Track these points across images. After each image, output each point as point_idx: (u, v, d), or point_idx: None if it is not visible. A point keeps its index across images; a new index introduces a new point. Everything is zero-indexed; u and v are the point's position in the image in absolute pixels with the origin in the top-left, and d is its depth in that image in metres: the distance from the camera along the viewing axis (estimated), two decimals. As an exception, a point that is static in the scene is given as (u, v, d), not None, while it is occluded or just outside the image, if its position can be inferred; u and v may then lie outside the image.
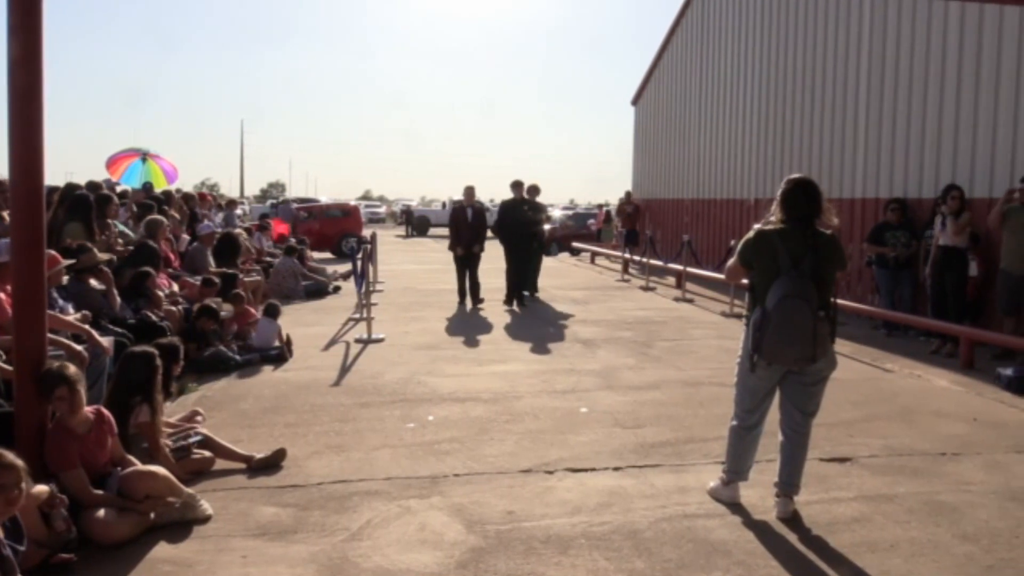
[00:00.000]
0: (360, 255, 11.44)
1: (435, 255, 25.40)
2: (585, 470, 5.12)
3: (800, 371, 4.30)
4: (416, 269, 19.83)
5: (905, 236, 10.27)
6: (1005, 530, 4.26)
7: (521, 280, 13.15)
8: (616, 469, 5.15)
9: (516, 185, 13.16)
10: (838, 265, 4.33)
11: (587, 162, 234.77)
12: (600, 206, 36.48)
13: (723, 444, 5.61)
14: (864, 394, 7.16)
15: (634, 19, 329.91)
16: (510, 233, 13.08)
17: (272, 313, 9.06)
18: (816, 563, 3.86)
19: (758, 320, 4.21)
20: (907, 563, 3.81)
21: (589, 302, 13.34)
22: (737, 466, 4.58)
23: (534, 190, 13.62)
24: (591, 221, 31.01)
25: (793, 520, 4.34)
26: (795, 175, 4.44)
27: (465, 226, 12.88)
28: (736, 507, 4.53)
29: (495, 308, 12.54)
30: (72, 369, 4.28)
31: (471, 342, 9.58)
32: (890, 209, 10.57)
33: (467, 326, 10.87)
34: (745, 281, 4.53)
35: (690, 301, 13.54)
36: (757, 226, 4.46)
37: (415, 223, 39.99)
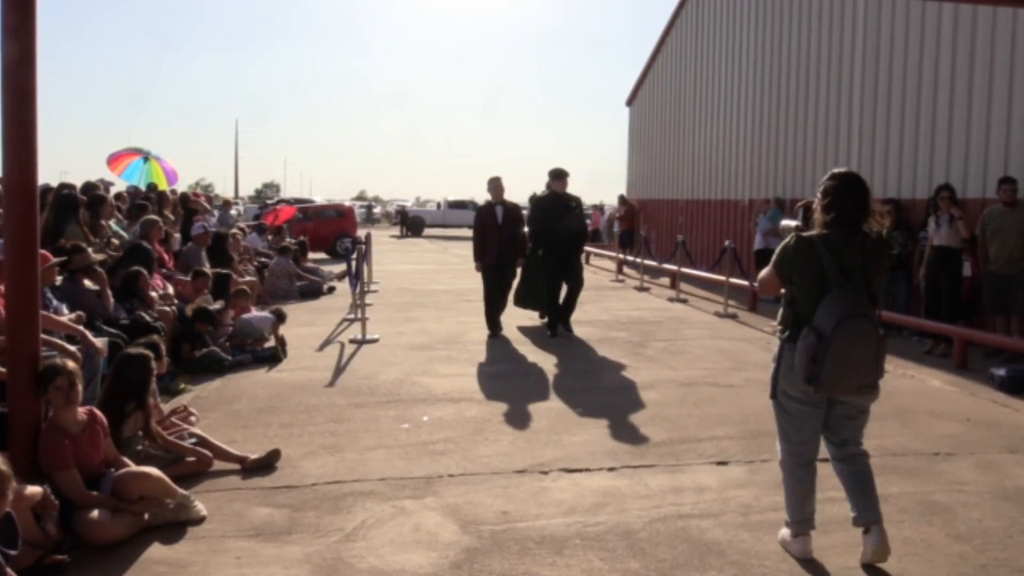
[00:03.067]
0: (355, 255, 11.43)
1: (430, 255, 25.43)
2: (580, 470, 5.12)
3: (844, 401, 3.79)
4: (411, 269, 19.83)
5: (900, 236, 10.30)
6: (998, 530, 4.27)
7: (558, 303, 9.98)
8: (611, 469, 5.15)
9: (557, 176, 9.88)
10: (887, 268, 3.88)
11: (585, 162, 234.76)
12: (595, 207, 36.51)
13: (717, 444, 5.65)
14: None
15: (632, 19, 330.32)
16: (550, 241, 9.78)
17: (275, 313, 9.09)
18: (810, 563, 3.86)
19: (811, 346, 3.57)
20: (900, 562, 3.81)
21: (583, 302, 13.30)
22: (802, 513, 3.92)
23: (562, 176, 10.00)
24: (587, 221, 31.01)
25: (880, 552, 3.78)
26: (839, 170, 3.81)
27: (494, 231, 9.76)
28: (730, 510, 4.52)
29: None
30: (73, 364, 4.31)
31: (465, 343, 9.57)
32: (885, 210, 10.58)
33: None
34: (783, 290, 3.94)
35: (684, 301, 13.55)
36: (788, 222, 4.01)
37: (410, 223, 39.96)
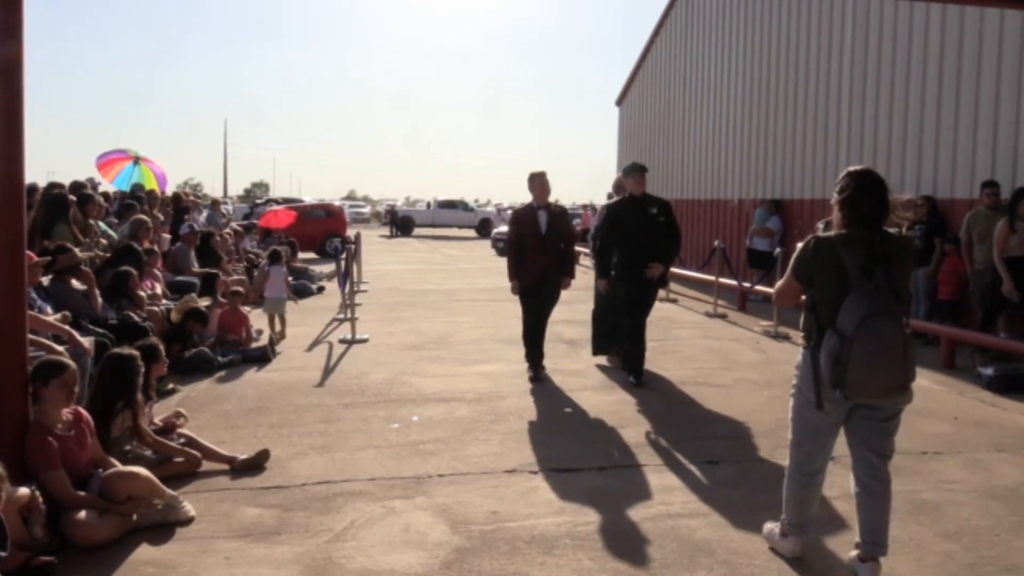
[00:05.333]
0: (344, 255, 11.40)
1: (420, 255, 25.42)
2: (569, 470, 5.13)
3: (873, 406, 3.63)
4: (400, 269, 19.81)
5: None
6: (986, 528, 4.29)
7: (638, 341, 7.56)
8: (600, 469, 5.15)
9: (634, 171, 7.43)
10: (912, 269, 3.70)
11: (585, 162, 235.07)
12: (584, 206, 36.52)
13: (707, 443, 5.67)
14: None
15: (626, 18, 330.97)
16: (624, 262, 7.41)
17: (276, 259, 9.99)
18: (800, 563, 3.87)
19: (835, 348, 3.43)
20: (889, 561, 3.83)
21: (574, 302, 13.32)
22: (799, 518, 3.90)
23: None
24: (577, 221, 30.97)
25: None
26: (856, 168, 3.71)
27: (536, 242, 7.51)
28: (719, 510, 4.53)
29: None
30: (72, 364, 4.30)
31: (455, 343, 9.57)
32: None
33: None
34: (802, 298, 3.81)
35: (674, 301, 13.58)
36: (817, 220, 3.85)
37: (399, 223, 39.92)
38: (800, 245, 3.71)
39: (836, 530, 4.23)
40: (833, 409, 3.65)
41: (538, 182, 7.58)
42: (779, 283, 3.94)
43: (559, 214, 7.71)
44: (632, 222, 7.34)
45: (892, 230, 3.63)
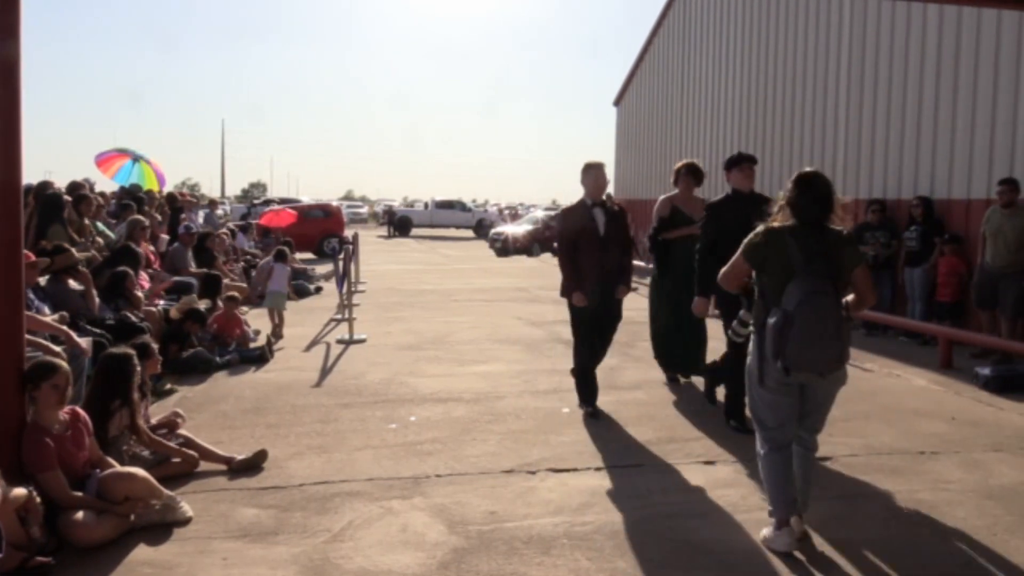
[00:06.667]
0: (342, 255, 11.40)
1: (417, 256, 25.42)
2: (567, 470, 5.13)
3: (812, 386, 3.98)
4: (398, 270, 19.81)
5: (885, 236, 10.37)
6: (983, 528, 4.29)
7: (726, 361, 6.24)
8: (598, 469, 5.16)
9: (740, 162, 6.28)
10: (854, 263, 3.98)
11: (583, 162, 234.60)
12: None
13: (705, 444, 5.67)
14: (843, 393, 7.13)
15: (624, 19, 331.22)
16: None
17: (281, 257, 10.10)
18: (796, 562, 3.88)
19: (779, 322, 3.77)
20: (886, 561, 3.83)
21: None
22: (782, 497, 4.01)
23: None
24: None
25: (800, 540, 4.01)
26: (805, 171, 4.03)
27: (594, 247, 6.24)
28: (717, 510, 4.53)
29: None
30: (66, 365, 4.31)
31: (453, 343, 9.57)
32: (871, 210, 10.67)
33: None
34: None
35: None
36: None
37: (397, 223, 39.92)
38: (751, 234, 4.04)
39: (836, 530, 4.23)
40: (783, 386, 3.94)
41: (593, 175, 6.38)
42: (725, 268, 4.22)
43: (618, 214, 6.42)
44: (741, 220, 5.14)
45: (838, 227, 3.98)
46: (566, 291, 6.40)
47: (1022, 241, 8.36)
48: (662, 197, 7.51)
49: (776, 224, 4.00)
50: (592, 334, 6.47)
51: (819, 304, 3.75)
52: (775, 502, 4.03)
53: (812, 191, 3.93)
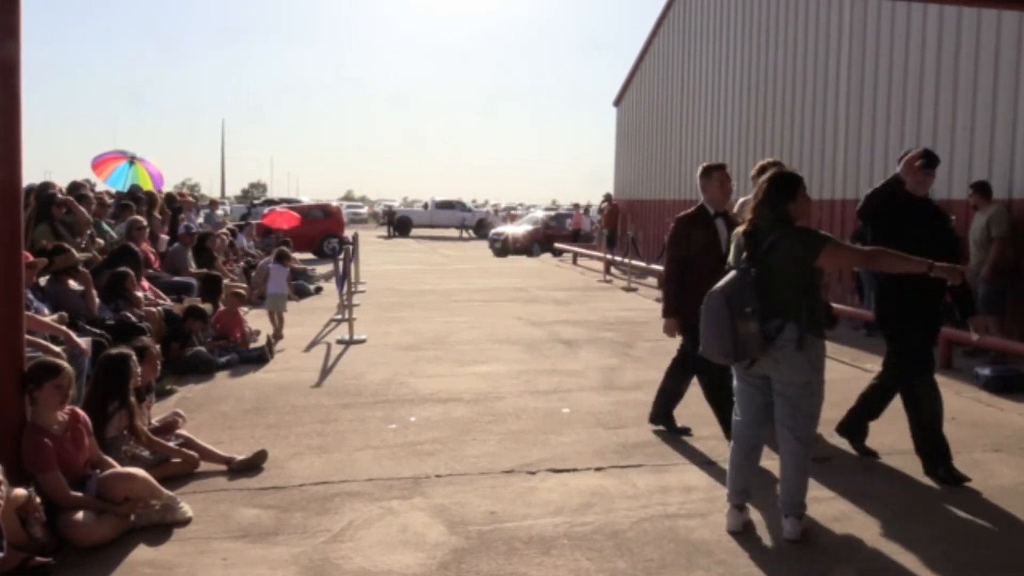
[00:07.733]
0: (342, 256, 11.39)
1: (417, 256, 25.41)
2: (567, 470, 5.13)
3: (770, 377, 4.08)
4: (398, 270, 19.80)
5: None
6: (982, 528, 4.30)
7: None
8: (598, 469, 5.16)
9: (924, 157, 5.31)
10: (807, 258, 3.95)
11: (583, 163, 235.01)
12: (576, 206, 36.52)
13: (704, 444, 5.67)
14: (844, 394, 7.17)
15: (624, 19, 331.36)
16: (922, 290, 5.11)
17: (281, 258, 10.20)
18: (796, 562, 3.88)
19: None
20: (886, 561, 3.84)
21: (571, 303, 13.36)
22: (731, 484, 4.26)
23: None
24: (569, 221, 30.84)
25: (799, 540, 4.04)
26: (771, 171, 4.35)
27: (712, 262, 5.06)
28: (717, 510, 4.53)
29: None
30: (68, 367, 4.30)
31: (453, 343, 9.56)
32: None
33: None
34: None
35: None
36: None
37: (397, 224, 39.93)
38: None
39: (835, 530, 4.24)
40: (745, 375, 4.15)
41: (717, 179, 5.53)
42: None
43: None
44: (922, 227, 4.80)
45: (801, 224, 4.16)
46: (668, 312, 5.62)
47: (984, 241, 8.70)
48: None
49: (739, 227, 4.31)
50: (714, 367, 4.58)
51: (710, 302, 4.05)
52: (729, 488, 4.27)
53: (772, 187, 4.24)
